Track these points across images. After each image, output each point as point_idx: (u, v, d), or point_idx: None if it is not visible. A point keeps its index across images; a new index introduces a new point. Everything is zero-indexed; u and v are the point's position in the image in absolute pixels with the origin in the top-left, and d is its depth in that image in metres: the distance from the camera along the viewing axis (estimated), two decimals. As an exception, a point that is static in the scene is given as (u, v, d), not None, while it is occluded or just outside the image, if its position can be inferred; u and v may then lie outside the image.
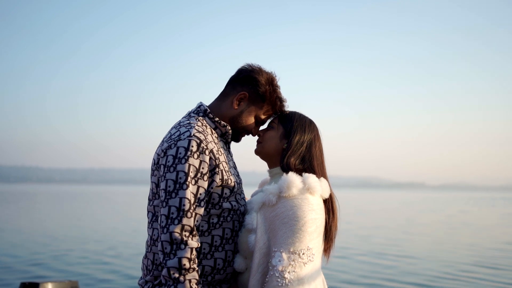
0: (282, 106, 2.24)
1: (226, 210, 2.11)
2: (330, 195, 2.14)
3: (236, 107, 2.19)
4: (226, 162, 2.14)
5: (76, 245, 13.75)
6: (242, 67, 2.23)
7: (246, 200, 2.26)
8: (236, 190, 2.15)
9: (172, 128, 2.14)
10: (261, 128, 2.31)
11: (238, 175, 2.26)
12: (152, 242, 2.11)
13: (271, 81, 2.21)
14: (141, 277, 2.18)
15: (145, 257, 2.16)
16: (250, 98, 2.19)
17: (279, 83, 2.24)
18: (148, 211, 2.16)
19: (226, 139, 2.24)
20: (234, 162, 2.30)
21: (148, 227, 2.17)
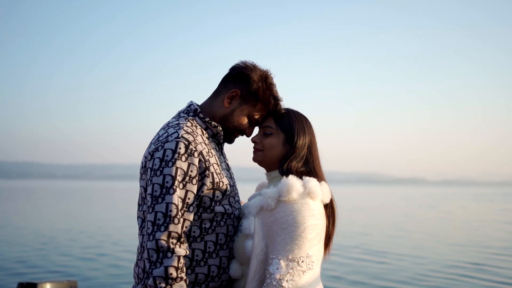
0: (276, 105, 2.12)
1: (219, 214, 2.00)
2: (331, 200, 2.05)
3: (227, 106, 2.08)
4: (217, 164, 2.03)
5: (75, 244, 13.71)
6: (236, 64, 2.11)
7: (243, 204, 2.16)
8: (229, 193, 2.04)
9: (160, 129, 2.04)
10: (256, 131, 2.18)
11: (231, 177, 2.14)
12: (142, 249, 2.01)
13: (264, 78, 2.08)
14: (132, 286, 2.09)
15: (136, 265, 2.07)
16: (242, 96, 2.07)
17: (275, 81, 2.12)
18: (138, 217, 2.05)
19: (218, 140, 2.13)
20: (227, 164, 2.18)
21: (138, 234, 2.06)
